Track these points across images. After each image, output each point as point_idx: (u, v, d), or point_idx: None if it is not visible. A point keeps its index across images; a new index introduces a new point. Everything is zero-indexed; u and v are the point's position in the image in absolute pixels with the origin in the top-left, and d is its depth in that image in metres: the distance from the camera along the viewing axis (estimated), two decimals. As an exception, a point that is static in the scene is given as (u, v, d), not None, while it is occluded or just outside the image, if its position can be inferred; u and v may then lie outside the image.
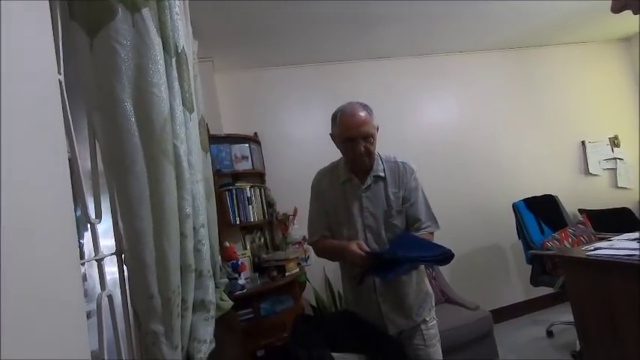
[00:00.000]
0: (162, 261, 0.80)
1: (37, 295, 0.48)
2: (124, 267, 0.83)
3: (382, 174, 1.48)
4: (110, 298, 0.74)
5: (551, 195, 3.23)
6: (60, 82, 0.65)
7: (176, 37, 1.05)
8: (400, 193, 1.48)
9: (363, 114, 1.43)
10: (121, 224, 0.80)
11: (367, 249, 1.37)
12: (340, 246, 1.44)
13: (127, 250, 0.79)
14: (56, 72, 0.62)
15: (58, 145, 0.58)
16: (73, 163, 0.67)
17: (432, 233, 1.50)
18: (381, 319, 1.46)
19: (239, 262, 2.33)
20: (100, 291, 0.76)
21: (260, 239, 2.79)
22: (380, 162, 1.51)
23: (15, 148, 0.48)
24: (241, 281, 2.32)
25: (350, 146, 1.43)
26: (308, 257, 2.79)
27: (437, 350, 1.51)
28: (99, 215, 0.76)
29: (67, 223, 0.56)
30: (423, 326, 1.51)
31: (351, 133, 1.41)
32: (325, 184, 1.56)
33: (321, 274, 2.97)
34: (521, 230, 2.96)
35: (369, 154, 1.44)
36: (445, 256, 1.33)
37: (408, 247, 1.38)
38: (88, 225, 0.77)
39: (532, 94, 3.73)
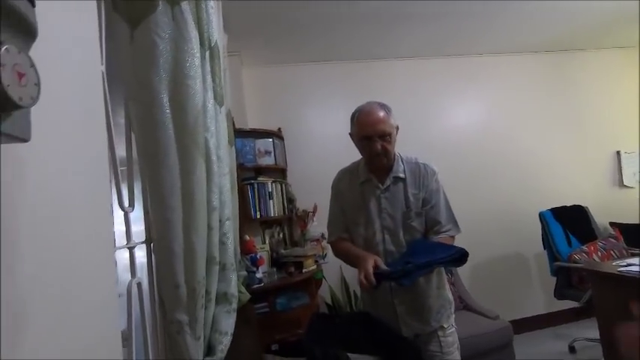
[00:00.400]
0: (190, 252, 0.82)
1: (73, 278, 0.49)
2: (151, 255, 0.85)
3: (402, 175, 1.47)
4: (139, 285, 0.76)
5: (580, 206, 3.10)
6: (102, 73, 0.67)
7: (210, 30, 1.06)
8: (420, 194, 1.46)
9: (380, 113, 1.42)
10: (151, 213, 0.82)
11: (383, 267, 1.34)
12: (357, 257, 1.41)
13: (156, 239, 0.81)
14: (99, 62, 0.64)
15: (98, 134, 0.59)
16: (110, 152, 0.69)
17: (452, 237, 1.47)
18: (395, 321, 1.44)
19: (258, 256, 2.35)
20: (124, 277, 0.77)
21: (279, 234, 2.81)
22: (400, 163, 1.49)
23: (59, 136, 0.49)
24: (259, 275, 2.34)
25: (367, 144, 1.42)
26: (325, 255, 2.79)
27: (454, 358, 1.48)
28: (132, 204, 0.78)
29: (104, 210, 0.57)
30: (440, 332, 1.47)
31: (368, 132, 1.41)
32: (345, 184, 1.56)
33: (337, 272, 2.96)
34: (547, 240, 2.86)
35: (387, 152, 1.43)
36: (459, 256, 1.31)
37: (422, 254, 1.36)
38: (118, 213, 0.79)
39: (566, 100, 3.58)
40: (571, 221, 2.95)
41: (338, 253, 1.57)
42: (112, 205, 0.64)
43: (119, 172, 0.72)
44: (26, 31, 0.29)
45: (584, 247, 2.74)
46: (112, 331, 0.58)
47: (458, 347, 1.51)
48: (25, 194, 0.40)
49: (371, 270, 1.31)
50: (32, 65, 0.29)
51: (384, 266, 1.36)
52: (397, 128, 1.47)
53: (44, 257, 0.44)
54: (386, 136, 1.41)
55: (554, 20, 3.00)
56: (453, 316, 1.54)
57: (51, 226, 0.45)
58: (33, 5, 0.30)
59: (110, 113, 0.71)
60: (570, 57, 3.64)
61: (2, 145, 0.32)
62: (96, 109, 0.60)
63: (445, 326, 1.48)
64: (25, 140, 0.30)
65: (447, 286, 1.56)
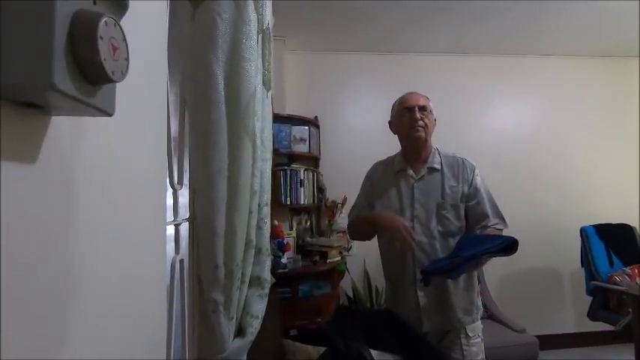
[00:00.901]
0: (231, 234, 0.82)
1: (127, 249, 0.50)
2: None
3: (438, 166, 1.48)
4: (182, 262, 0.77)
5: (628, 225, 2.91)
6: (166, 51, 0.67)
7: (264, 13, 1.05)
8: (459, 187, 1.46)
9: (422, 95, 1.52)
10: (197, 192, 0.83)
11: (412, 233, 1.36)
12: (376, 216, 1.48)
13: (199, 219, 0.82)
14: (164, 39, 0.64)
15: (160, 111, 0.59)
16: (167, 129, 0.70)
17: (500, 230, 1.45)
18: (418, 314, 1.42)
19: (285, 242, 2.38)
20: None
21: (306, 222, 2.82)
22: (437, 155, 1.51)
23: (124, 111, 0.49)
24: (284, 260, 2.37)
25: (407, 116, 1.47)
26: (350, 247, 2.79)
27: (477, 370, 1.45)
28: (180, 181, 0.79)
29: (161, 186, 0.58)
30: (464, 340, 1.44)
31: (409, 103, 1.48)
32: (379, 173, 1.59)
33: (361, 266, 2.95)
34: (587, 258, 2.71)
35: (426, 128, 1.46)
36: (509, 243, 1.29)
37: (469, 247, 1.35)
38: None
39: (621, 110, 3.34)
40: (615, 240, 2.78)
41: (353, 226, 1.62)
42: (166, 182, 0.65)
43: (172, 150, 0.73)
44: (119, 4, 0.29)
45: (627, 269, 2.58)
46: (158, 301, 0.60)
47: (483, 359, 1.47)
48: (91, 167, 0.41)
49: (407, 224, 1.35)
50: (124, 39, 0.28)
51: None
52: (435, 121, 1.51)
53: (102, 230, 0.45)
54: (425, 110, 1.47)
55: (614, 24, 2.77)
56: (480, 325, 1.50)
57: (112, 200, 0.46)
58: (127, -23, 0.29)
59: (169, 91, 0.71)
60: (628, 64, 3.37)
61: (68, 117, 0.32)
62: (159, 86, 0.60)
63: (470, 335, 1.45)
64: (109, 114, 0.30)
65: (477, 291, 1.52)
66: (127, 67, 0.29)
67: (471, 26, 2.81)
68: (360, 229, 1.59)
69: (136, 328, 0.52)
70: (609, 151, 3.30)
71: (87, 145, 0.37)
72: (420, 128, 1.45)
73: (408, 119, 1.46)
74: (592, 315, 2.65)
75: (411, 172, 1.49)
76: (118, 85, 0.38)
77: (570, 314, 3.14)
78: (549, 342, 2.95)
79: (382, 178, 1.56)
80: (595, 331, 3.00)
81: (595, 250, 2.70)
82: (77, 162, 0.35)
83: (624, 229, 2.88)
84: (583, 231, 2.78)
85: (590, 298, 2.69)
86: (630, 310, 2.12)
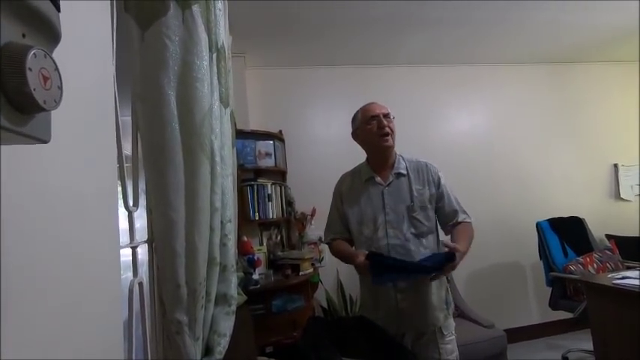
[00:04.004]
0: (192, 252, 0.82)
1: (79, 276, 0.50)
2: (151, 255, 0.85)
3: (404, 171, 1.54)
4: (140, 285, 0.76)
5: (578, 217, 3.12)
6: (113, 74, 0.67)
7: (218, 33, 1.07)
8: (425, 189, 1.51)
9: (382, 104, 1.58)
10: (154, 213, 0.82)
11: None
12: (349, 254, 1.50)
13: (158, 239, 0.81)
14: (111, 62, 0.64)
15: (108, 134, 0.59)
16: (118, 151, 0.69)
17: (468, 222, 1.54)
18: (397, 317, 1.45)
19: (255, 258, 2.35)
20: (124, 275, 0.78)
21: (277, 236, 2.81)
22: (402, 161, 1.57)
23: (69, 135, 0.49)
24: (255, 276, 2.34)
25: (374, 125, 1.52)
26: (322, 258, 2.79)
27: (453, 367, 1.49)
28: (136, 203, 0.78)
29: (111, 209, 0.58)
30: (440, 339, 1.48)
31: (374, 111, 1.53)
32: (347, 185, 1.62)
33: (334, 276, 2.96)
34: (544, 251, 2.88)
35: (392, 134, 1.53)
36: (448, 257, 1.34)
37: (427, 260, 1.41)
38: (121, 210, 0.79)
39: (566, 111, 3.62)
40: (568, 232, 2.97)
41: (334, 252, 1.63)
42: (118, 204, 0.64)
43: (125, 171, 0.73)
44: (50, 35, 0.30)
45: (580, 259, 2.76)
46: (114, 328, 0.59)
47: (457, 357, 1.51)
48: (36, 193, 0.41)
49: (362, 258, 1.39)
50: (56, 69, 0.29)
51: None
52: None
53: (53, 255, 0.44)
54: (389, 118, 1.54)
55: (557, 32, 3.04)
56: (453, 322, 1.55)
57: (60, 225, 0.46)
58: (58, 10, 0.31)
59: (119, 112, 0.71)
60: (571, 69, 3.68)
61: (15, 145, 0.33)
62: (106, 108, 0.61)
63: (445, 333, 1.49)
64: (45, 141, 0.31)
65: (446, 288, 1.57)
66: (61, 96, 0.30)
67: (427, 39, 2.97)
68: (338, 257, 1.61)
69: (90, 355, 0.51)
70: (558, 151, 3.54)
71: (24, 171, 0.37)
72: (387, 136, 1.51)
73: (375, 127, 1.51)
74: (553, 304, 2.80)
75: (379, 179, 1.54)
76: (59, 111, 0.39)
77: (534, 305, 3.30)
78: (517, 334, 3.08)
79: (351, 188, 1.59)
80: (558, 319, 3.17)
81: (550, 243, 2.87)
82: (12, 189, 0.35)
83: (575, 222, 3.09)
84: (538, 225, 2.95)
85: (550, 289, 2.84)
86: (585, 296, 2.27)
